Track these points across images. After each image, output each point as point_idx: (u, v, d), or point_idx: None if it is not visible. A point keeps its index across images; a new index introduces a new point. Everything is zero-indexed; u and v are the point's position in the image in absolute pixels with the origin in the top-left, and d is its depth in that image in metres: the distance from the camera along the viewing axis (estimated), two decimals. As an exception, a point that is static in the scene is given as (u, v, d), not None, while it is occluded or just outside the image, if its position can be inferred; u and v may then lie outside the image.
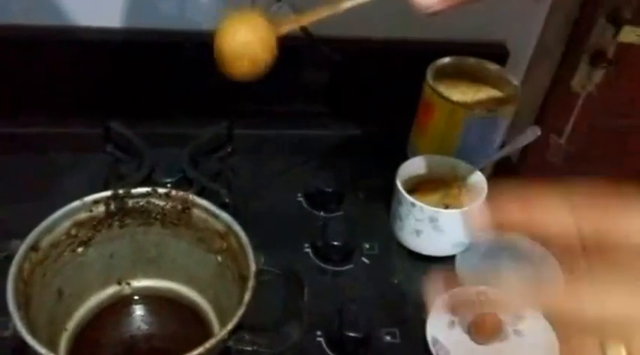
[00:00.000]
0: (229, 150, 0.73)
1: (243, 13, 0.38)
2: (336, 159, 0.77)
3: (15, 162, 0.71)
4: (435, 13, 0.39)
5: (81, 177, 0.69)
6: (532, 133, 0.69)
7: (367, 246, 0.66)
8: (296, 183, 0.73)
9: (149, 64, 0.75)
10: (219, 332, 0.36)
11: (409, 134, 0.78)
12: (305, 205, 0.71)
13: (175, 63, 0.75)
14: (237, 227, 0.43)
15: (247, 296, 0.39)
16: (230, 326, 0.37)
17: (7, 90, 0.73)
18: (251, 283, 0.39)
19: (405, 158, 0.79)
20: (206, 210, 0.45)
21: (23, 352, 0.47)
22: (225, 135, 0.74)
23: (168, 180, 0.59)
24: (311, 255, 0.65)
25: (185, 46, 0.74)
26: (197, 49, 0.74)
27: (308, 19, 0.38)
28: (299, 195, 0.72)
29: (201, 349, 0.36)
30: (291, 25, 0.38)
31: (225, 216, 0.44)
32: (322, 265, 0.64)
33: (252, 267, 0.40)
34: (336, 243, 0.64)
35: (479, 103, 0.71)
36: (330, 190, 0.70)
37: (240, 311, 0.38)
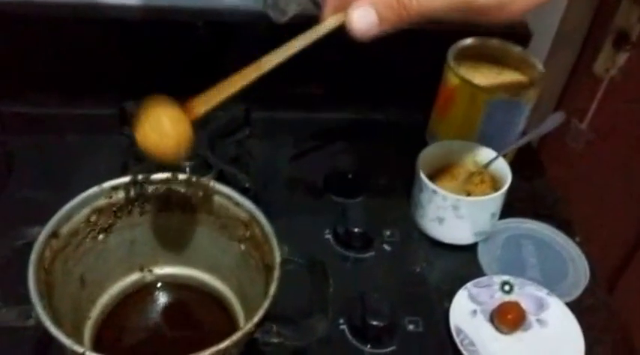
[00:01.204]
0: (247, 133, 0.72)
1: (158, 106, 0.38)
2: (355, 143, 0.75)
3: (30, 144, 0.70)
4: (371, 38, 0.41)
5: (98, 160, 0.68)
6: (557, 118, 0.67)
7: (388, 233, 0.65)
8: (315, 167, 0.72)
9: (165, 43, 0.73)
10: (246, 325, 0.36)
11: (428, 119, 0.77)
12: (325, 191, 0.70)
13: (191, 43, 0.73)
14: (260, 216, 0.42)
15: (273, 288, 0.38)
16: (256, 318, 0.36)
17: (22, 70, 0.72)
18: (276, 274, 0.39)
19: (424, 143, 0.77)
20: (228, 197, 0.44)
21: (47, 341, 0.46)
22: (242, 118, 0.72)
23: (187, 164, 0.58)
24: (332, 241, 0.64)
25: (199, 25, 0.72)
26: (213, 28, 0.73)
27: (220, 96, 0.41)
28: (318, 180, 0.71)
29: (227, 342, 0.35)
30: (204, 105, 0.40)
31: (248, 204, 0.43)
32: (343, 252, 0.63)
33: (277, 258, 0.39)
34: (357, 230, 0.63)
35: (501, 87, 0.69)
36: (350, 176, 0.69)
37: (267, 304, 0.37)
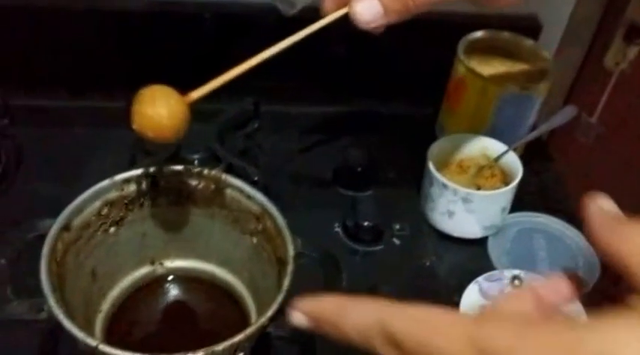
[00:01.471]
0: (256, 126, 0.71)
1: (152, 89, 0.39)
2: (364, 137, 0.75)
3: (38, 137, 0.69)
4: (376, 28, 0.41)
5: (106, 153, 0.68)
6: (569, 112, 0.67)
7: (397, 226, 0.65)
8: (324, 161, 0.72)
9: (173, 36, 0.73)
10: (260, 319, 0.35)
11: (437, 112, 0.76)
12: (334, 184, 0.69)
13: (199, 36, 0.73)
14: (272, 208, 0.42)
15: (287, 282, 0.37)
16: (270, 312, 0.36)
17: (30, 64, 0.72)
18: (290, 268, 0.38)
19: (433, 137, 0.77)
20: (240, 190, 0.44)
21: (57, 334, 0.46)
22: (251, 112, 0.72)
23: (196, 156, 0.58)
24: (341, 234, 0.63)
25: (207, 17, 0.72)
26: (220, 20, 0.73)
27: (215, 83, 0.41)
28: (327, 173, 0.70)
29: (241, 336, 0.35)
30: (201, 92, 0.40)
31: (260, 197, 0.43)
32: (352, 245, 0.63)
33: (291, 251, 0.39)
34: (366, 223, 0.63)
35: (512, 80, 0.69)
36: (359, 169, 0.69)
37: (280, 298, 0.36)
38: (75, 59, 0.72)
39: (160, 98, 0.37)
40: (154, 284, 0.47)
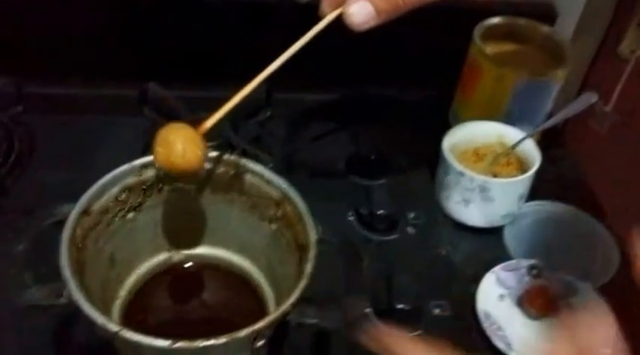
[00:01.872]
0: (268, 114, 0.70)
1: (169, 130, 0.41)
2: (377, 125, 0.74)
3: (51, 124, 0.69)
4: (369, 29, 0.41)
5: (119, 140, 0.67)
6: (587, 99, 0.66)
7: (412, 215, 0.64)
8: (336, 148, 0.71)
9: (186, 25, 0.72)
10: (282, 305, 0.35)
11: (452, 99, 0.75)
12: (347, 172, 0.69)
13: (212, 24, 0.72)
14: (293, 194, 0.41)
15: (309, 268, 0.37)
16: (293, 298, 0.35)
17: (44, 51, 0.71)
18: (312, 253, 0.38)
19: (447, 124, 0.76)
20: (260, 175, 0.43)
21: (75, 321, 0.46)
22: (263, 99, 0.71)
23: (210, 144, 0.57)
24: (355, 223, 0.63)
25: (220, 5, 0.71)
26: (234, 8, 0.72)
27: (225, 109, 0.42)
28: (340, 161, 0.70)
29: (264, 322, 0.34)
30: (213, 120, 0.41)
31: (280, 182, 0.42)
32: (367, 234, 0.62)
33: (313, 237, 0.39)
34: (380, 212, 0.62)
35: (529, 67, 0.67)
36: (373, 157, 0.68)
37: (303, 283, 0.36)
38: (87, 47, 0.71)
39: (178, 140, 0.39)
40: (170, 271, 0.46)
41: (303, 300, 0.36)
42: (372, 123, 0.74)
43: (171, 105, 0.67)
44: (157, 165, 0.39)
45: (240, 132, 0.67)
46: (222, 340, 0.33)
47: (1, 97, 0.67)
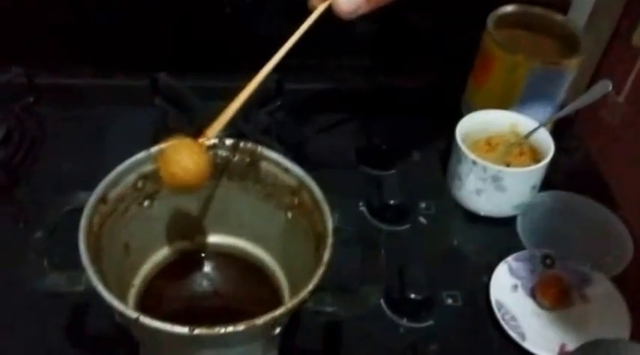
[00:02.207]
0: (279, 104, 0.70)
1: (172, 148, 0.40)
2: (388, 114, 0.74)
3: (62, 114, 0.69)
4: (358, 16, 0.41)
5: (129, 130, 0.67)
6: (602, 88, 0.65)
7: (423, 205, 0.64)
8: (347, 139, 0.71)
9: (194, 14, 0.72)
10: (301, 293, 0.35)
11: (464, 88, 0.75)
12: (357, 162, 0.68)
13: (219, 13, 0.72)
14: (310, 182, 0.41)
15: (327, 255, 0.37)
16: (311, 286, 0.35)
17: (54, 42, 0.71)
18: (330, 241, 0.37)
19: (459, 114, 0.75)
20: (276, 163, 0.43)
21: (88, 309, 0.46)
22: (273, 90, 0.71)
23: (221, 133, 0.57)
24: (366, 213, 0.63)
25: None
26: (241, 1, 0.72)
27: (225, 117, 0.42)
28: (350, 151, 0.69)
29: (282, 310, 0.34)
30: (215, 129, 0.42)
31: (297, 170, 0.42)
32: (378, 225, 0.62)
33: (330, 225, 0.38)
34: (392, 202, 0.62)
35: (543, 55, 0.67)
36: (384, 147, 0.68)
37: (321, 271, 0.36)
38: (98, 38, 0.71)
39: (182, 158, 0.39)
40: (185, 260, 0.46)
41: (319, 288, 0.36)
42: (382, 113, 0.74)
43: (182, 95, 0.67)
44: (165, 183, 0.39)
45: (251, 121, 0.66)
46: (240, 327, 0.32)
47: (13, 88, 0.67)
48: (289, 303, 0.34)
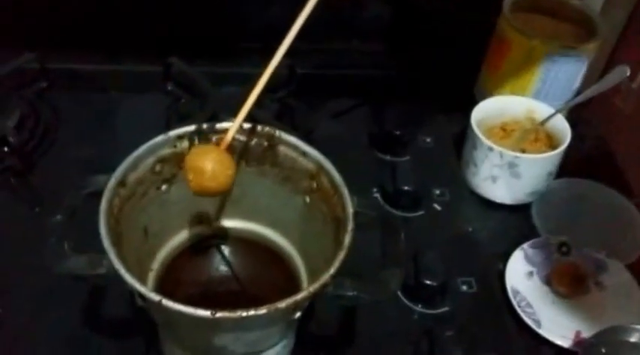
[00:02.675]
0: (291, 89, 0.70)
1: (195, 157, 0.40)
2: (400, 100, 0.73)
3: (75, 100, 0.69)
4: None
5: (142, 116, 0.67)
6: (620, 73, 0.64)
7: (437, 192, 0.64)
8: (360, 125, 0.70)
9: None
10: (322, 277, 0.34)
11: (477, 74, 0.74)
12: (370, 148, 0.68)
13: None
14: (329, 166, 0.41)
15: (348, 239, 0.36)
16: (332, 270, 0.35)
17: (67, 27, 0.71)
18: (350, 225, 0.37)
19: (472, 99, 0.75)
20: (294, 147, 0.42)
21: (104, 293, 0.46)
22: (286, 76, 0.70)
23: (234, 119, 0.56)
24: (380, 200, 0.62)
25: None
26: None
27: (238, 121, 0.42)
28: (363, 137, 0.69)
29: (304, 293, 0.34)
30: (231, 133, 0.41)
31: (315, 153, 0.42)
32: (392, 211, 0.61)
33: (350, 209, 0.38)
34: (406, 188, 0.61)
35: (559, 40, 0.66)
36: (397, 133, 0.67)
37: (342, 255, 0.35)
38: (111, 24, 0.71)
39: (207, 165, 0.39)
40: (202, 244, 0.46)
41: (339, 273, 0.36)
42: (395, 99, 0.73)
43: (194, 80, 0.66)
44: (193, 191, 0.40)
45: (264, 107, 0.66)
46: (262, 311, 0.32)
47: (26, 73, 0.67)
48: (311, 287, 0.34)
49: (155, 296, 0.33)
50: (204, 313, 0.32)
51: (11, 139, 0.58)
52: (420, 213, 0.62)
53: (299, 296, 0.33)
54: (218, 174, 0.39)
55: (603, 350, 0.47)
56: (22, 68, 0.66)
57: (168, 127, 0.64)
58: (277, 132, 0.42)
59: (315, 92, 0.73)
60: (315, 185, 0.42)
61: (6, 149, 0.59)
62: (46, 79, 0.68)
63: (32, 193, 0.60)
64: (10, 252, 0.54)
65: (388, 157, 0.67)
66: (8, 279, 0.51)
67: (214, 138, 0.43)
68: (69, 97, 0.69)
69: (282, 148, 0.43)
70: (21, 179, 0.60)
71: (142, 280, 0.37)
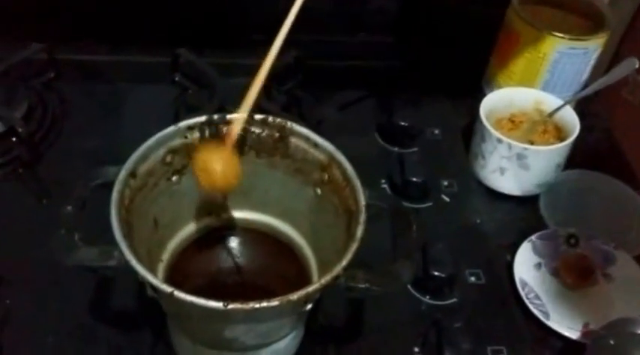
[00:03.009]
0: (299, 80, 0.69)
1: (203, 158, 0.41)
2: (408, 91, 0.73)
3: (82, 90, 0.69)
4: None
5: (149, 107, 0.67)
6: (627, 66, 0.64)
7: (445, 183, 0.64)
8: (367, 116, 0.70)
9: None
10: (335, 268, 0.34)
11: (485, 65, 0.74)
12: (378, 139, 0.68)
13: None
14: (341, 157, 0.41)
15: (360, 231, 0.36)
16: (344, 261, 0.35)
17: (75, 17, 0.71)
18: (362, 217, 0.37)
19: (480, 91, 0.75)
20: (306, 138, 0.42)
21: (111, 285, 0.46)
22: (293, 66, 0.70)
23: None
24: (388, 191, 0.62)
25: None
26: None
27: (244, 110, 0.42)
28: (371, 128, 0.69)
29: (316, 285, 0.34)
30: (235, 129, 0.41)
31: (327, 145, 0.41)
32: (400, 202, 0.61)
33: (362, 201, 0.38)
34: (414, 180, 0.61)
35: (568, 32, 0.66)
36: (405, 125, 0.67)
37: (354, 247, 0.35)
38: (119, 15, 0.71)
39: (216, 165, 0.40)
40: (211, 235, 0.46)
41: (351, 265, 0.36)
42: (403, 91, 0.73)
43: (202, 71, 0.66)
44: (202, 188, 0.40)
45: (271, 99, 0.66)
46: (274, 302, 0.32)
47: (34, 64, 0.67)
48: (323, 279, 0.34)
49: (167, 288, 0.33)
50: (217, 305, 0.32)
51: (19, 130, 0.57)
52: (428, 204, 0.62)
53: (311, 288, 0.33)
54: (227, 174, 0.39)
55: (612, 342, 0.47)
56: (29, 59, 0.66)
57: (177, 118, 0.65)
58: (289, 124, 0.42)
59: (323, 84, 0.73)
60: (326, 177, 0.41)
61: (14, 139, 0.59)
62: (54, 70, 0.68)
63: (40, 184, 0.60)
64: (17, 243, 0.54)
65: (396, 149, 0.67)
66: (15, 270, 0.51)
67: (224, 128, 0.42)
68: (77, 88, 0.68)
69: (293, 140, 0.42)
70: (28, 170, 0.60)
71: (152, 271, 0.37)
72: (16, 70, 0.63)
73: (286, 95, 0.69)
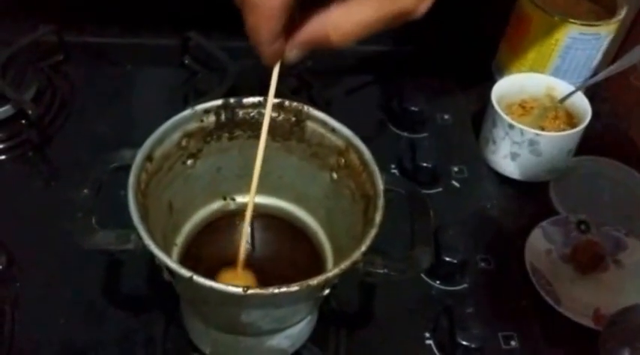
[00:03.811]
0: (308, 65, 0.69)
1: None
2: (417, 76, 0.72)
3: (91, 73, 0.68)
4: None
5: (159, 91, 0.66)
6: (639, 52, 0.63)
7: (456, 169, 0.63)
8: (377, 101, 0.70)
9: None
10: (354, 254, 0.34)
11: (496, 50, 0.73)
12: (388, 125, 0.67)
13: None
14: (358, 142, 0.40)
15: (378, 217, 0.36)
16: (363, 247, 0.35)
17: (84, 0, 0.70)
18: (381, 202, 0.37)
19: (490, 77, 0.74)
20: (323, 123, 0.42)
21: (121, 269, 0.46)
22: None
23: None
24: (398, 176, 0.62)
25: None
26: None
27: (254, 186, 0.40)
28: (381, 114, 0.68)
29: (336, 270, 0.34)
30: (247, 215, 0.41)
31: (344, 130, 0.41)
32: (416, 187, 0.61)
33: (380, 186, 0.38)
34: (424, 165, 0.61)
35: (580, 17, 0.65)
36: (415, 109, 0.67)
37: (373, 232, 0.35)
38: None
39: None
40: (225, 220, 0.46)
41: (369, 250, 0.35)
42: (413, 76, 0.72)
43: (213, 55, 0.65)
44: None
45: (281, 83, 0.65)
46: (294, 288, 0.32)
47: (43, 46, 0.66)
48: (342, 264, 0.34)
49: (186, 273, 0.33)
50: (236, 290, 0.32)
51: (29, 112, 0.57)
52: (439, 189, 0.62)
53: (331, 273, 0.33)
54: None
55: (624, 328, 0.47)
56: (38, 41, 0.65)
57: (186, 101, 0.64)
58: (305, 108, 0.41)
59: (333, 68, 0.72)
60: (343, 161, 0.41)
61: (23, 122, 0.59)
62: (63, 52, 0.67)
63: (49, 167, 0.60)
64: (26, 225, 0.53)
65: (406, 134, 0.67)
66: (25, 253, 0.51)
67: (241, 113, 0.42)
68: (86, 71, 0.68)
69: (309, 124, 0.42)
70: (38, 152, 0.59)
71: (168, 255, 0.37)
72: (25, 52, 0.63)
73: (294, 79, 0.68)
